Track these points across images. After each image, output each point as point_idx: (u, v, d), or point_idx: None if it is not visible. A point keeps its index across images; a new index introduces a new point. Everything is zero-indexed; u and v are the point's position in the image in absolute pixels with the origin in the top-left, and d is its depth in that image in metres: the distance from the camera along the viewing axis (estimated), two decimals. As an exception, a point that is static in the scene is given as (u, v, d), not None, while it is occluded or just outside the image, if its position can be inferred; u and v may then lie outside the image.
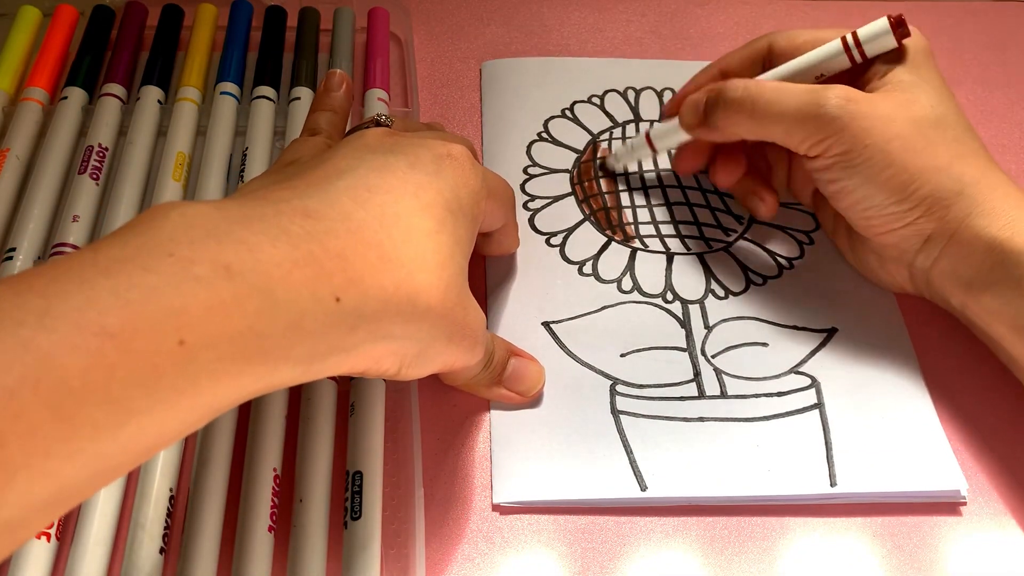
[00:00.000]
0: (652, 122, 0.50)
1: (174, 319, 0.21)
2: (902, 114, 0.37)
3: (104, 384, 0.20)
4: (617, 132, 0.49)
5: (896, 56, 0.38)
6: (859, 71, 0.39)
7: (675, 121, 0.43)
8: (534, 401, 0.37)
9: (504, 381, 0.37)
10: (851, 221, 0.39)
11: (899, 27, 0.38)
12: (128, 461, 0.21)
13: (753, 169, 0.44)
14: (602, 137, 0.49)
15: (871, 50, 0.38)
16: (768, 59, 0.42)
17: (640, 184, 0.47)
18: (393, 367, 0.28)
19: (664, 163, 0.47)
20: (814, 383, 0.39)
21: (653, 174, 0.47)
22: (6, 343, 0.19)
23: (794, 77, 0.40)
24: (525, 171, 0.47)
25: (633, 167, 0.47)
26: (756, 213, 0.44)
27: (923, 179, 0.36)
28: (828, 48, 0.39)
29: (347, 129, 0.37)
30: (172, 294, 0.21)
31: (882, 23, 0.38)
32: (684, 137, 0.43)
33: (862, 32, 0.38)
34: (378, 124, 0.33)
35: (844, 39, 0.39)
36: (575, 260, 0.43)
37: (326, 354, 0.25)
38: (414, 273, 0.27)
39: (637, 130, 0.49)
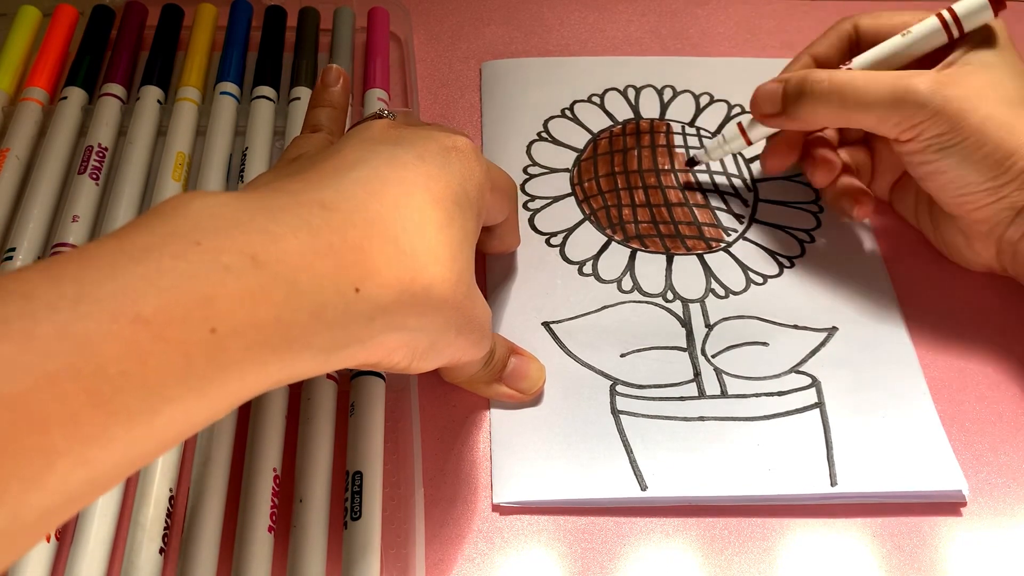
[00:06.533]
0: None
1: (205, 308, 0.21)
2: (991, 94, 0.37)
3: (139, 371, 0.20)
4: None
5: (978, 38, 0.39)
6: (940, 54, 0.39)
7: None
8: (534, 400, 0.37)
9: (505, 379, 0.37)
10: (942, 202, 0.40)
11: None
12: (156, 450, 0.21)
13: (847, 168, 0.44)
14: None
15: (969, 24, 0.39)
16: (855, 42, 0.42)
17: (640, 184, 0.47)
18: (405, 359, 0.28)
19: (662, 162, 0.47)
20: (814, 382, 0.39)
21: (653, 173, 0.47)
22: (44, 329, 0.19)
23: (891, 58, 0.40)
24: (525, 171, 0.47)
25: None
26: (850, 215, 0.43)
27: (1019, 155, 0.37)
28: (925, 25, 0.39)
29: (348, 126, 0.37)
30: (203, 282, 0.21)
31: None
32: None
33: (959, 7, 0.39)
34: (380, 118, 0.33)
35: (940, 15, 0.39)
36: (575, 260, 0.43)
37: (345, 344, 0.25)
38: (428, 265, 0.27)
39: (637, 126, 0.49)
